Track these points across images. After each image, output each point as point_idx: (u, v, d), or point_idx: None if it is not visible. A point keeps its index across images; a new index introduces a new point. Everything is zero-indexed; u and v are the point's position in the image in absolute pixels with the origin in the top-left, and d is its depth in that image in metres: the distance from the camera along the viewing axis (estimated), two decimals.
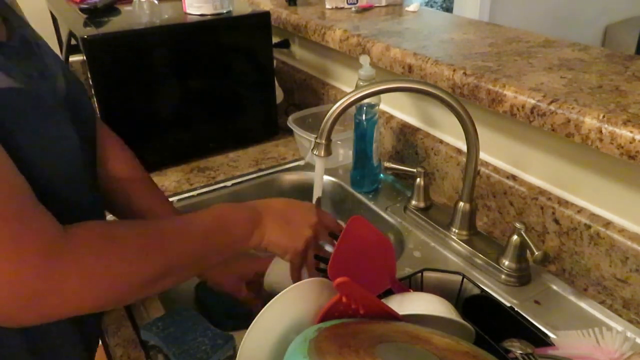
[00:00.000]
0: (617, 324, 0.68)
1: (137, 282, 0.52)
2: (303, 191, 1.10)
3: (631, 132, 0.61)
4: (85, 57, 0.96)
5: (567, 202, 0.77)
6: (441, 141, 0.98)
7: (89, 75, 0.97)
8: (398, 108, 1.10)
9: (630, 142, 0.61)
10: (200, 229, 0.60)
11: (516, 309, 0.70)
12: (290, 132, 1.12)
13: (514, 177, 0.84)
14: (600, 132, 0.64)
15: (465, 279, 0.73)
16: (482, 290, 0.72)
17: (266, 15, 1.12)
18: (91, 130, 0.67)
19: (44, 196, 0.48)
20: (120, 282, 0.50)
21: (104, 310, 0.54)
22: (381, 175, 1.04)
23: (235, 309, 0.83)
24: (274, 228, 0.65)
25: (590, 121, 0.65)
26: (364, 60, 0.91)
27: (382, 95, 0.98)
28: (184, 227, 0.59)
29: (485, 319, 0.64)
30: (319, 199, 0.78)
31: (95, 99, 1.00)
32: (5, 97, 0.47)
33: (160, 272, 0.54)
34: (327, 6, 1.31)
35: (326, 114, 0.72)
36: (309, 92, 1.36)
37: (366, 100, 0.91)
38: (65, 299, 0.46)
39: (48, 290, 0.45)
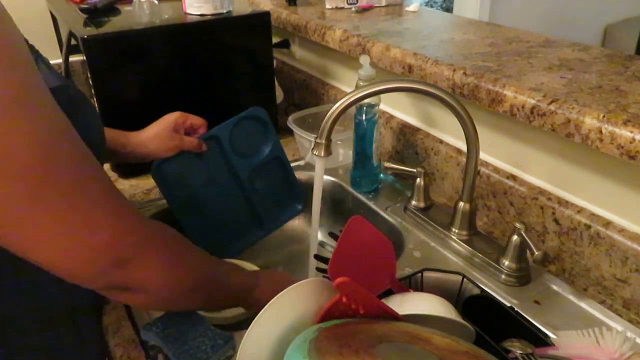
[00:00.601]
0: (617, 324, 0.68)
1: (185, 289, 0.58)
2: (303, 191, 1.10)
3: (631, 132, 0.61)
4: (85, 57, 0.96)
5: (567, 202, 0.77)
6: (441, 141, 0.98)
7: (89, 75, 0.97)
8: (398, 108, 1.10)
9: (630, 142, 0.61)
10: (222, 267, 0.67)
11: (516, 309, 0.70)
12: (290, 132, 1.12)
13: (514, 177, 0.84)
14: (600, 132, 0.64)
15: (465, 279, 0.73)
16: (482, 290, 0.72)
17: (266, 15, 1.12)
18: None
19: None
20: (178, 279, 0.56)
21: (153, 302, 0.59)
22: (381, 175, 1.04)
23: None
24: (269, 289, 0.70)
25: (590, 121, 0.65)
26: (364, 60, 0.91)
27: (382, 95, 0.98)
28: (211, 259, 0.64)
29: (485, 319, 0.64)
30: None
31: (95, 99, 1.00)
32: (58, 95, 0.50)
33: (184, 294, 0.59)
34: (327, 6, 1.31)
35: (326, 114, 0.72)
36: (309, 92, 1.36)
37: (366, 100, 0.91)
38: (139, 271, 0.51)
39: (128, 257, 0.49)
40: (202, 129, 0.89)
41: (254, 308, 0.68)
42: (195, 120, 0.88)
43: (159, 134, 0.84)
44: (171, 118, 0.86)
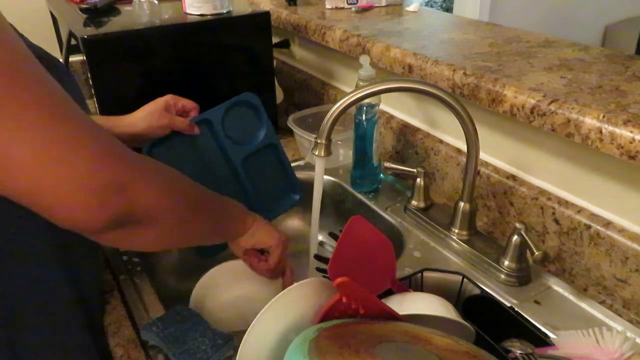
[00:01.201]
0: (617, 324, 0.68)
1: (188, 208, 0.60)
2: (303, 191, 1.10)
3: (631, 132, 0.61)
4: (85, 57, 0.96)
5: (567, 202, 0.77)
6: (441, 141, 0.98)
7: (89, 75, 0.97)
8: (398, 108, 1.10)
9: (630, 142, 0.61)
10: (218, 198, 0.69)
11: (516, 309, 0.70)
12: (290, 132, 1.12)
13: (514, 177, 0.85)
14: (600, 132, 0.64)
15: (465, 279, 0.73)
16: (482, 290, 0.72)
17: (266, 15, 1.12)
18: None
19: None
20: (181, 200, 0.59)
21: (158, 234, 0.58)
22: (381, 175, 1.04)
23: None
24: (262, 224, 0.76)
25: (590, 121, 0.65)
26: (364, 60, 0.91)
27: (382, 95, 0.98)
28: (206, 190, 0.67)
29: (485, 319, 0.64)
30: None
31: (95, 99, 1.00)
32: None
33: (188, 216, 0.61)
34: (327, 6, 1.31)
35: (326, 114, 0.72)
36: (309, 92, 1.36)
37: (366, 100, 0.91)
38: (140, 195, 0.51)
39: (123, 181, 0.49)
40: (193, 112, 0.88)
41: (242, 233, 0.74)
42: (186, 102, 0.87)
43: (150, 113, 0.84)
44: (162, 99, 0.86)
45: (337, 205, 1.08)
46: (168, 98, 0.86)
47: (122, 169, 0.49)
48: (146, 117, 0.83)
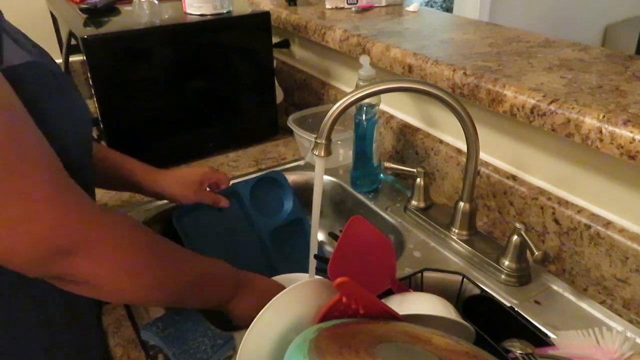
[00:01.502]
0: (617, 324, 0.68)
1: (143, 283, 0.55)
2: (303, 191, 1.10)
3: (631, 132, 0.61)
4: (85, 57, 0.96)
5: (567, 202, 0.77)
6: (441, 141, 0.98)
7: (89, 75, 0.97)
8: (398, 108, 1.10)
9: (630, 142, 0.61)
10: (199, 267, 0.63)
11: (516, 309, 0.70)
12: (290, 132, 1.12)
13: (514, 177, 0.84)
14: (600, 132, 0.64)
15: (465, 279, 0.73)
16: (482, 290, 0.72)
17: (266, 15, 1.12)
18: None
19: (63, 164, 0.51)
20: (131, 276, 0.54)
21: (105, 296, 0.56)
22: (381, 175, 1.04)
23: None
24: (250, 303, 0.67)
25: (590, 121, 0.65)
26: (364, 60, 0.91)
27: (382, 95, 0.98)
28: (190, 257, 0.63)
29: (485, 319, 0.64)
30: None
31: (95, 99, 1.00)
32: (25, 71, 0.49)
33: (156, 284, 0.57)
34: (327, 6, 1.31)
35: (326, 114, 0.72)
36: (309, 92, 1.36)
37: (366, 100, 0.91)
38: (84, 264, 0.49)
39: (72, 248, 0.47)
40: (224, 185, 0.90)
41: (231, 315, 0.68)
42: (221, 177, 0.89)
43: (183, 183, 0.85)
44: (200, 173, 0.87)
45: (337, 205, 1.08)
46: (206, 172, 0.87)
47: (75, 236, 0.48)
48: (177, 185, 0.84)
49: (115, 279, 0.52)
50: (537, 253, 0.69)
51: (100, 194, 1.02)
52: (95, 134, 1.11)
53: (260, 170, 1.10)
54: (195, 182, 0.86)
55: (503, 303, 0.70)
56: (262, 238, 0.93)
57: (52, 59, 0.61)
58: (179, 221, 0.87)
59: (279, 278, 0.76)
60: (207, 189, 0.89)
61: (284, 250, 0.94)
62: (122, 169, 0.82)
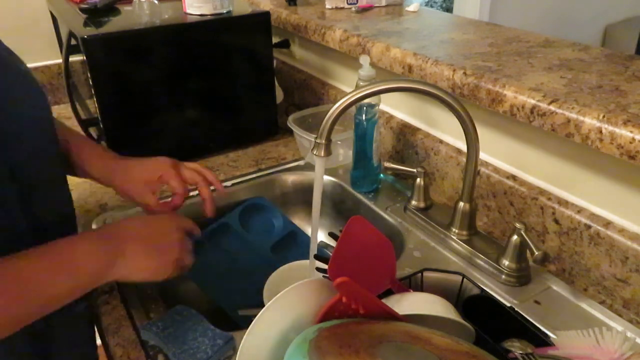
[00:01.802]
0: (617, 324, 0.68)
1: None
2: (303, 191, 1.10)
3: (631, 132, 0.61)
4: (85, 57, 0.96)
5: (567, 202, 0.77)
6: (441, 141, 0.98)
7: (89, 75, 0.97)
8: (398, 108, 1.10)
9: (630, 142, 0.61)
10: (44, 277, 0.53)
11: (516, 309, 0.70)
12: (290, 132, 1.12)
13: (514, 177, 0.84)
14: (600, 132, 0.64)
15: (465, 279, 0.73)
16: (482, 290, 0.72)
17: (266, 15, 1.12)
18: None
19: (13, 165, 0.49)
20: None
21: None
22: (381, 175, 1.04)
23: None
24: (138, 255, 0.62)
25: (590, 121, 0.65)
26: (364, 60, 0.91)
27: (382, 95, 0.98)
28: (29, 275, 0.53)
29: (485, 319, 0.64)
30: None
31: (95, 99, 1.00)
32: None
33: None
34: (327, 6, 1.31)
35: (326, 114, 0.72)
36: (309, 92, 1.36)
37: (366, 100, 0.91)
38: None
39: None
40: (177, 198, 0.80)
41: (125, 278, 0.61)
42: (176, 185, 0.78)
43: (139, 177, 0.78)
44: (163, 168, 0.78)
45: (337, 205, 1.08)
46: (166, 174, 0.77)
47: None
48: (130, 182, 0.77)
49: None
50: (537, 253, 0.69)
51: (100, 194, 1.02)
52: (95, 134, 1.11)
53: (260, 170, 1.10)
54: (148, 181, 0.78)
55: (503, 303, 0.70)
56: (263, 255, 0.96)
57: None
58: (193, 278, 0.87)
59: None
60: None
61: (288, 258, 0.96)
62: (78, 156, 0.75)
